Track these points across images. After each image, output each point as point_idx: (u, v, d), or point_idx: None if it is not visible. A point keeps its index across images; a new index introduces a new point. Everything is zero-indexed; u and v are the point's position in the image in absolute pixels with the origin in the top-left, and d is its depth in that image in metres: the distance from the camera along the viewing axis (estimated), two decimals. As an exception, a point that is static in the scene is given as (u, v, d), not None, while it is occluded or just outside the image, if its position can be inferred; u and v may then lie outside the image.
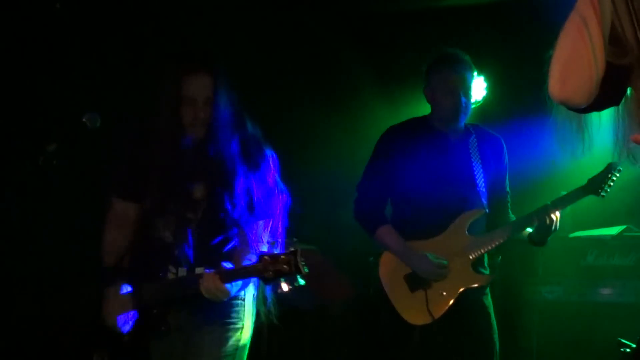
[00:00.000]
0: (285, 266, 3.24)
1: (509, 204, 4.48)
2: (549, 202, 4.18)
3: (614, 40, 2.04)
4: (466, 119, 4.37)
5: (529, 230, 4.31)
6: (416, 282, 4.22)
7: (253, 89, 4.61)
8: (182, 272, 3.48)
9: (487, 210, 4.31)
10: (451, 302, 4.18)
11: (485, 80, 5.85)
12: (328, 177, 5.98)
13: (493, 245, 4.24)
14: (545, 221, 4.15)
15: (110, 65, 5.27)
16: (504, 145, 4.45)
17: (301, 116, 6.12)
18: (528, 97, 4.12)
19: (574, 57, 2.01)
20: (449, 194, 4.25)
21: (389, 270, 4.28)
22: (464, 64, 4.33)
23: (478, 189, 4.30)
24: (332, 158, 6.18)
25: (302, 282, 4.62)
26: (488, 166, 4.37)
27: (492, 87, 5.89)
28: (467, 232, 4.26)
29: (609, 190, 4.20)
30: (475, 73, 4.45)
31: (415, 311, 4.19)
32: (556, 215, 4.16)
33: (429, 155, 4.31)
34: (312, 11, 6.15)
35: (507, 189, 4.47)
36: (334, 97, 6.35)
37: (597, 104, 2.12)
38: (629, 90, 2.14)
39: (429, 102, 4.42)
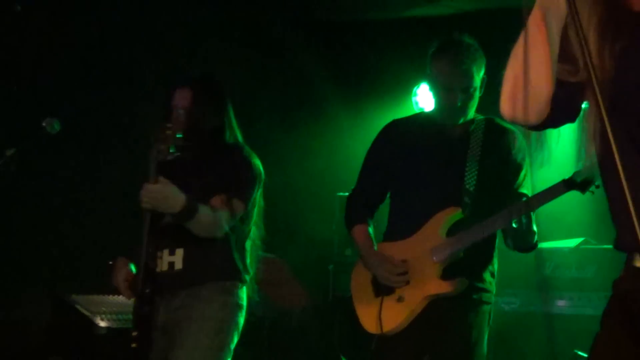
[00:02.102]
0: None
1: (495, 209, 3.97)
2: (527, 198, 3.81)
3: (565, 58, 2.06)
4: (472, 113, 3.97)
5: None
6: (379, 286, 3.90)
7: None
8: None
9: (465, 211, 3.90)
10: (409, 312, 3.83)
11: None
12: (289, 186, 5.98)
13: (459, 247, 3.81)
14: (523, 220, 3.71)
15: (70, 69, 5.23)
16: (518, 139, 3.98)
17: (267, 127, 6.11)
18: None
19: (522, 77, 2.03)
20: (431, 193, 3.91)
21: (361, 272, 4.00)
22: (469, 54, 3.90)
23: (465, 188, 3.93)
24: (295, 167, 6.18)
25: None
26: (488, 164, 3.97)
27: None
28: (440, 234, 3.87)
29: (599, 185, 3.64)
30: (484, 62, 3.94)
31: (369, 318, 3.91)
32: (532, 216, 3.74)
33: (420, 150, 4.00)
34: (277, 23, 6.15)
35: (522, 189, 3.96)
36: (299, 108, 6.36)
37: (551, 122, 2.14)
38: (584, 105, 2.17)
39: (431, 93, 4.07)
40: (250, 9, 5.85)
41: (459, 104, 3.89)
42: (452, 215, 3.88)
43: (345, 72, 6.44)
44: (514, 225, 3.73)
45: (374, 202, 4.15)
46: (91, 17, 5.35)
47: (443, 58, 3.91)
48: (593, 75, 1.74)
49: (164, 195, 3.49)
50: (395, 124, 4.16)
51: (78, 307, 4.26)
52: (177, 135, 3.58)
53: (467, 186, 3.93)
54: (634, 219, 1.69)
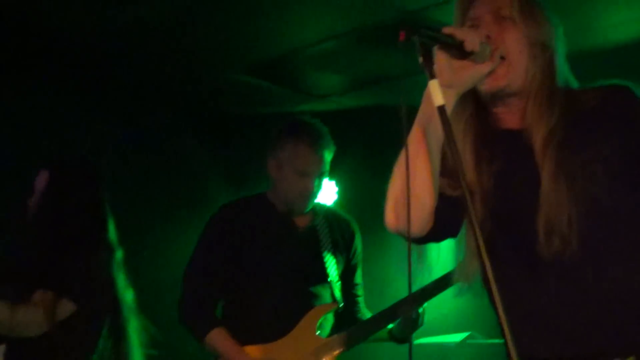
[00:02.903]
0: None
1: (361, 298, 4.01)
2: (413, 293, 3.65)
3: (445, 173, 2.15)
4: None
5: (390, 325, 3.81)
6: None
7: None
8: None
9: (340, 305, 3.83)
10: None
11: (336, 184, 5.93)
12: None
13: (345, 348, 3.70)
14: (411, 314, 3.68)
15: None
16: (356, 229, 4.00)
17: (149, 220, 6.01)
18: (378, 207, 4.14)
19: (406, 190, 2.06)
20: (297, 288, 3.75)
21: None
22: (324, 140, 3.82)
23: (330, 281, 3.83)
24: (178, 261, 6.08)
25: None
26: (339, 254, 3.91)
27: (343, 192, 5.97)
28: (316, 332, 3.72)
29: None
30: (334, 150, 3.88)
31: None
32: (423, 308, 3.71)
33: (271, 242, 3.78)
34: (164, 113, 6.13)
35: (359, 279, 4.00)
36: (186, 201, 6.28)
37: (434, 235, 2.22)
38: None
39: (271, 175, 3.85)
40: (136, 97, 5.82)
41: (313, 190, 3.77)
42: (327, 311, 3.77)
43: (235, 166, 6.43)
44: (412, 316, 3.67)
45: (216, 304, 3.82)
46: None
47: (301, 141, 3.76)
48: (467, 192, 1.81)
49: None
50: (230, 210, 3.87)
51: None
52: None
53: (330, 278, 3.84)
54: (508, 341, 1.73)
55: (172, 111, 6.13)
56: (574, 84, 2.30)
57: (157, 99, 5.97)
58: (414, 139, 2.11)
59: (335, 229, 3.95)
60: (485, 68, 2.10)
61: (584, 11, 4.60)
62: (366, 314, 3.96)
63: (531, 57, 2.20)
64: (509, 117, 2.24)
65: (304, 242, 3.85)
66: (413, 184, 2.08)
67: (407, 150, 2.07)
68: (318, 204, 3.98)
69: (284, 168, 3.78)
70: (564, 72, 2.27)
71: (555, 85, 2.21)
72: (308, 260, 3.83)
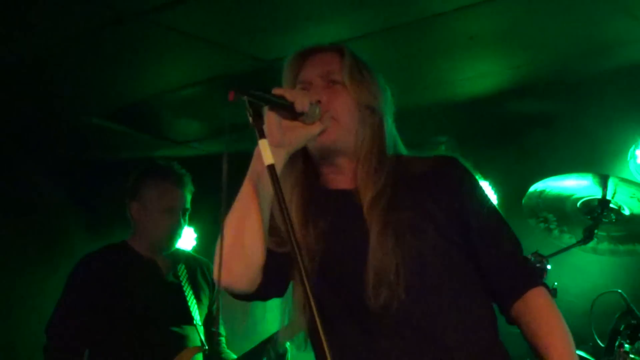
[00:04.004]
0: None
1: (224, 338, 4.05)
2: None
3: (273, 231, 2.18)
4: None
5: None
6: None
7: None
8: None
9: (205, 348, 3.83)
10: None
11: (195, 231, 5.93)
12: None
13: None
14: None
15: None
16: (211, 272, 4.02)
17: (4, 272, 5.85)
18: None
19: (236, 245, 2.10)
20: (166, 331, 3.74)
21: None
22: (186, 177, 3.88)
23: (195, 323, 3.85)
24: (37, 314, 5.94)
25: None
26: (204, 297, 3.96)
27: (201, 239, 5.98)
28: None
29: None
30: (193, 190, 3.93)
31: None
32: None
33: (137, 288, 3.76)
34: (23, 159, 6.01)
35: (221, 320, 4.06)
36: (40, 242, 6.14)
37: (261, 293, 2.22)
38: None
39: (134, 218, 3.84)
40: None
41: (180, 226, 3.80)
42: (194, 353, 3.77)
43: (94, 211, 6.33)
44: None
45: (82, 353, 3.71)
46: None
47: (165, 179, 3.80)
48: (296, 248, 1.82)
49: None
50: (93, 260, 3.81)
51: None
52: None
53: (196, 320, 3.85)
54: None
55: (31, 156, 6.01)
56: (402, 149, 2.37)
57: (15, 144, 5.85)
58: (245, 195, 2.12)
59: (197, 273, 3.98)
60: (315, 129, 2.13)
61: (438, 65, 4.79)
62: (230, 354, 4.00)
63: (361, 120, 2.25)
64: (339, 177, 2.27)
65: (169, 285, 3.85)
66: (242, 240, 2.11)
67: (238, 203, 2.11)
68: (179, 248, 4.00)
69: (149, 208, 3.80)
70: (392, 135, 2.33)
71: (384, 148, 2.27)
72: (174, 303, 3.83)
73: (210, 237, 6.00)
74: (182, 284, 3.88)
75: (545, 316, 2.22)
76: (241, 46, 4.51)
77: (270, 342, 3.66)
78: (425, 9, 4.08)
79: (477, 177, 2.36)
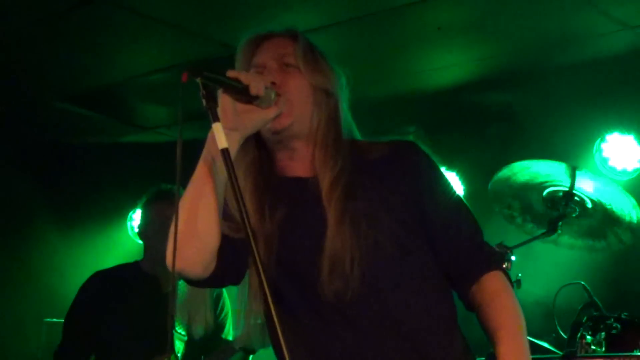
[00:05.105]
0: None
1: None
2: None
3: (227, 216, 2.14)
4: None
5: None
6: None
7: None
8: None
9: (177, 355, 3.97)
10: None
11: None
12: None
13: None
14: None
15: None
16: (223, 290, 4.17)
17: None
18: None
19: (189, 228, 2.05)
20: (145, 345, 3.84)
21: None
22: None
23: (175, 336, 4.00)
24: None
25: None
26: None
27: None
28: None
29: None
30: None
31: None
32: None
33: (137, 303, 3.93)
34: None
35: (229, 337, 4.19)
36: (5, 226, 6.10)
37: (216, 279, 2.17)
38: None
39: (144, 241, 4.08)
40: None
41: None
42: None
43: (60, 196, 6.30)
44: None
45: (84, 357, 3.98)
46: None
47: (163, 198, 3.94)
48: (250, 233, 1.80)
49: None
50: (101, 276, 4.03)
51: None
52: None
53: (179, 329, 4.00)
54: None
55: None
56: (358, 135, 2.34)
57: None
58: (199, 177, 2.08)
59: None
60: (270, 113, 2.10)
61: (406, 55, 4.80)
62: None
63: (316, 103, 2.22)
64: (295, 164, 2.25)
65: (165, 300, 3.94)
66: (196, 223, 2.06)
67: (192, 184, 2.07)
68: None
69: (152, 228, 3.96)
70: (347, 121, 2.30)
71: (340, 132, 2.25)
72: (159, 318, 3.80)
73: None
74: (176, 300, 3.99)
75: (499, 300, 2.22)
76: (210, 32, 4.49)
77: (227, 348, 3.90)
78: (394, -2, 4.09)
79: (435, 161, 2.33)
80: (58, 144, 6.25)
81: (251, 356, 4.02)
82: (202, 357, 4.05)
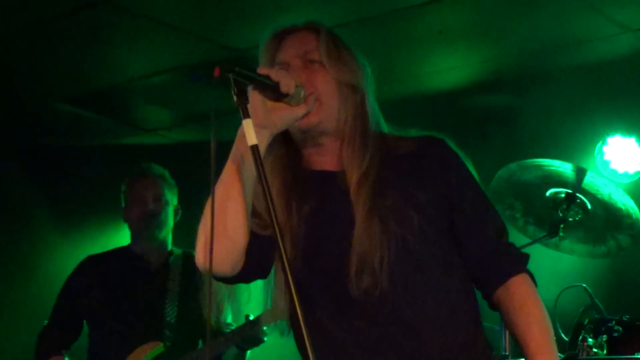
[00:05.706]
0: None
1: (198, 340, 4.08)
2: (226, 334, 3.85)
3: (255, 212, 2.14)
4: (170, 243, 4.05)
5: None
6: None
7: None
8: None
9: (167, 344, 3.91)
10: None
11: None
12: None
13: None
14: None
15: None
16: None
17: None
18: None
19: (219, 228, 2.03)
20: (131, 327, 3.89)
21: None
22: (156, 169, 4.04)
23: (165, 320, 3.94)
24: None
25: None
26: (185, 294, 4.02)
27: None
28: None
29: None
30: (175, 190, 4.10)
31: None
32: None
33: (120, 287, 3.96)
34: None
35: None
36: (4, 228, 6.09)
37: (245, 275, 2.18)
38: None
39: (125, 221, 4.11)
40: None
41: (151, 213, 3.94)
42: (152, 350, 3.84)
43: (60, 197, 6.29)
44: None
45: (69, 339, 4.05)
46: None
47: (133, 174, 4.06)
48: (278, 230, 1.81)
49: None
50: (91, 260, 4.12)
51: None
52: None
53: (168, 319, 3.93)
54: None
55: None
56: (385, 128, 2.33)
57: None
58: (228, 176, 2.08)
59: (188, 274, 4.03)
60: (299, 111, 2.09)
61: (408, 58, 4.80)
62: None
63: (342, 98, 2.21)
64: (322, 159, 2.24)
65: (153, 279, 4.00)
66: (225, 222, 2.06)
67: (221, 185, 2.07)
68: (177, 249, 4.13)
69: (129, 206, 4.04)
70: (375, 114, 2.29)
71: (368, 126, 2.23)
72: (146, 299, 3.96)
73: (179, 223, 5.97)
74: (168, 278, 3.98)
75: (526, 305, 2.22)
76: (212, 35, 4.49)
77: (252, 325, 3.72)
78: (396, 1, 4.09)
79: (464, 159, 2.33)
80: (58, 146, 6.24)
81: (248, 352, 3.96)
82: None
